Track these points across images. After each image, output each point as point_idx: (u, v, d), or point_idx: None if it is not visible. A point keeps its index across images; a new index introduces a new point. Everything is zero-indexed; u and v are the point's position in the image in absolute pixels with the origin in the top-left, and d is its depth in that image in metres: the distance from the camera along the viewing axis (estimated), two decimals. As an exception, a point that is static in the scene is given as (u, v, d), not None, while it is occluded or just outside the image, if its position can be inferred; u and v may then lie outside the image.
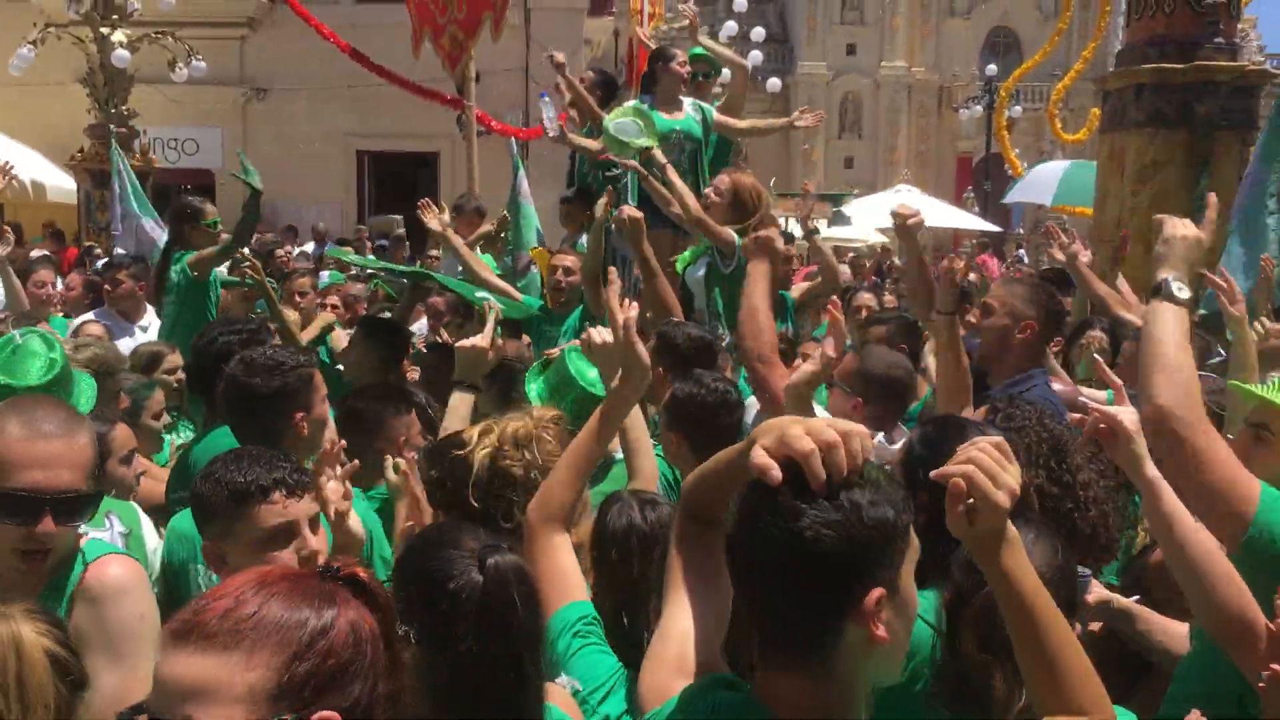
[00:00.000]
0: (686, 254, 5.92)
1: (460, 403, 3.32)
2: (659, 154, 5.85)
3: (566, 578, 2.19)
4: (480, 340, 3.39)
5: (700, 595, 1.80)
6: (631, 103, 6.58)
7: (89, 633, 2.22)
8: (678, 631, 1.77)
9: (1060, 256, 5.92)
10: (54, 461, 2.18)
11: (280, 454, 2.43)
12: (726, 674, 1.73)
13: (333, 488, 2.52)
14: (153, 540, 3.12)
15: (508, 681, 1.79)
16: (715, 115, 6.73)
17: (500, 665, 1.78)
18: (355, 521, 2.56)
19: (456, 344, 3.59)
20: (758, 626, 1.61)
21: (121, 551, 2.48)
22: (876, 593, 1.51)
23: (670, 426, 3.46)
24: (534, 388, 3.71)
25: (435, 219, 5.93)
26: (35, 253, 10.97)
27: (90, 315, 6.37)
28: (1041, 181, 16.45)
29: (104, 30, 13.31)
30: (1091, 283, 5.83)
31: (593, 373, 3.57)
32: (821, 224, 21.87)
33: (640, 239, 4.88)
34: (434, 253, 9.99)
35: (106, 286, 6.62)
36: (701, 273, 5.65)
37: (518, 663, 1.80)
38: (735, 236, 5.26)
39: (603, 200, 5.32)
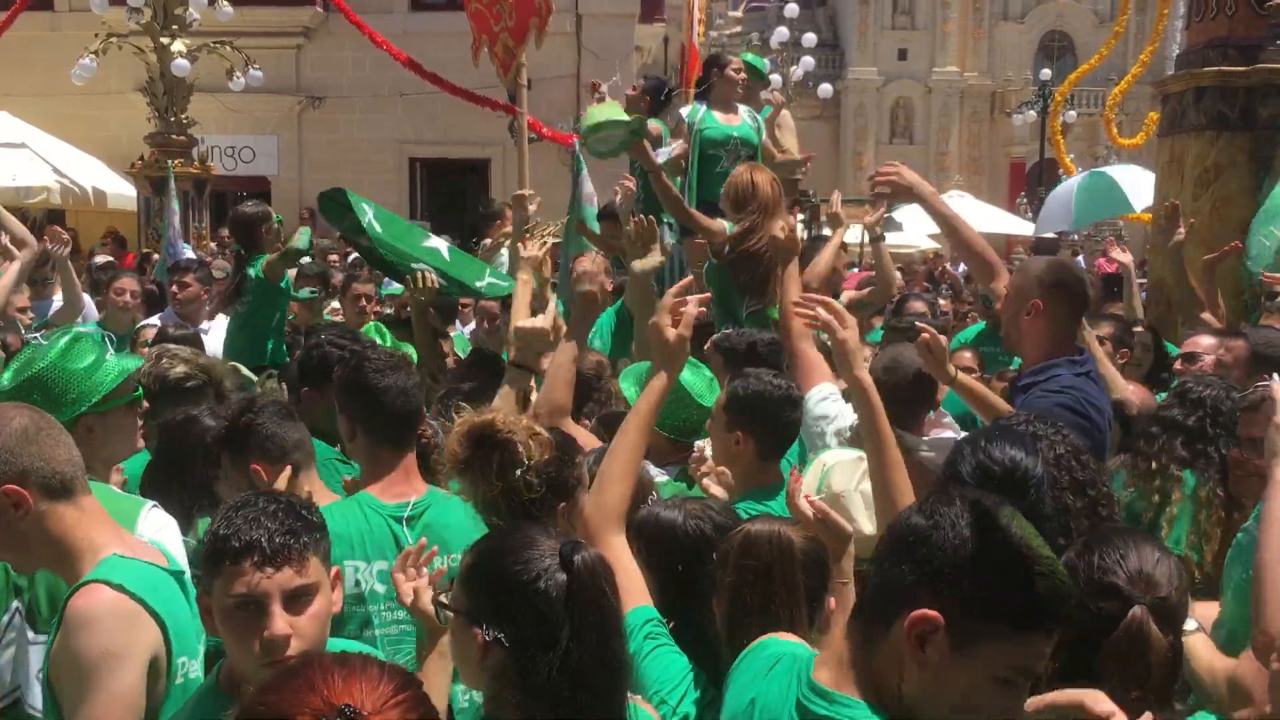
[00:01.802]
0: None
1: (513, 385, 3.33)
2: (653, 126, 5.59)
3: (631, 580, 2.20)
4: (542, 320, 3.36)
5: None
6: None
7: (59, 660, 2.21)
8: None
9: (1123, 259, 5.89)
10: None
11: (290, 504, 2.14)
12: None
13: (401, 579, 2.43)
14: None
15: (605, 672, 1.81)
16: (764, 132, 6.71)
17: (597, 657, 1.80)
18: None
19: (516, 325, 3.57)
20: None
21: (109, 580, 2.26)
22: (923, 613, 1.52)
23: (732, 427, 3.33)
24: (631, 390, 3.71)
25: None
26: (99, 258, 11.17)
27: (155, 319, 6.48)
28: (1058, 209, 16.20)
29: (164, 40, 13.55)
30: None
31: (699, 384, 3.63)
32: (872, 230, 21.71)
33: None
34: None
35: (173, 289, 6.74)
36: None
37: (612, 653, 1.83)
38: (725, 227, 5.23)
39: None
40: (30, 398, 2.80)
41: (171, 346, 4.32)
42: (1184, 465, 3.45)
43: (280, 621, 2.00)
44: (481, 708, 1.91)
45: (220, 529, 2.05)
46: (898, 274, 6.93)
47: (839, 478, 3.13)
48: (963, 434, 3.46)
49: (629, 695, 1.91)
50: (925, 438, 3.58)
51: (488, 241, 8.58)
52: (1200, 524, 3.34)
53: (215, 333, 6.53)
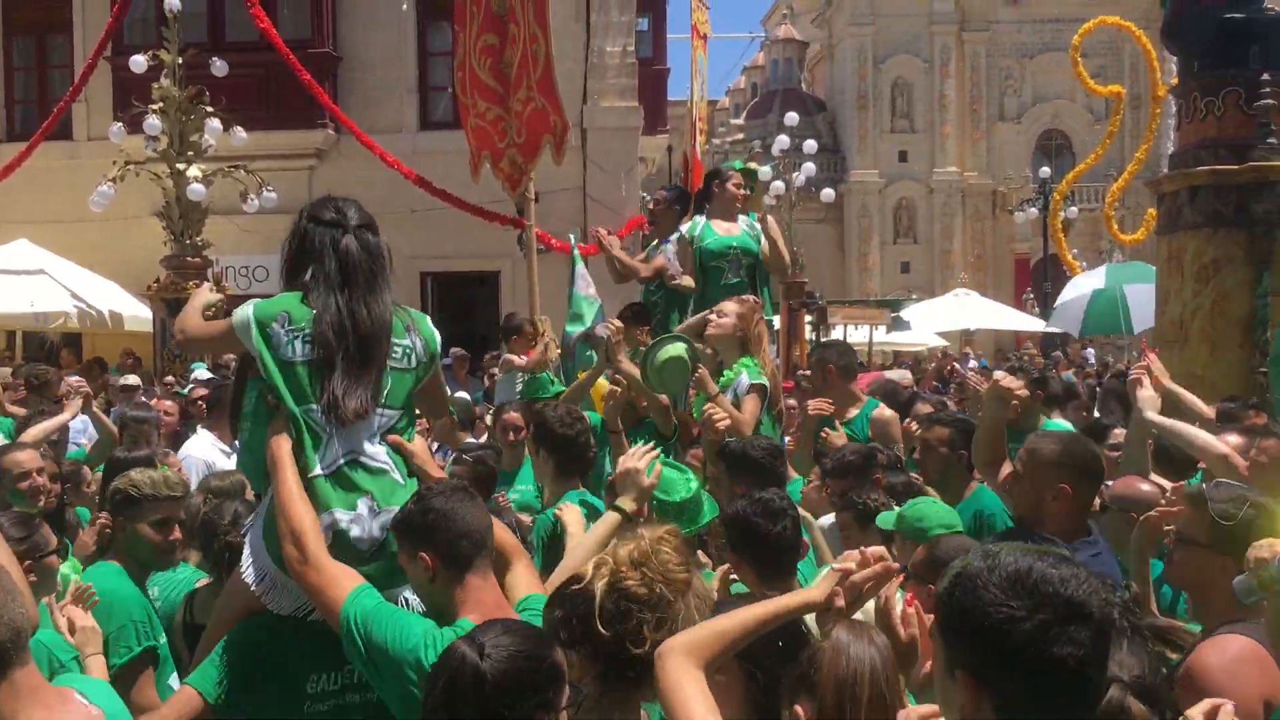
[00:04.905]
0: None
1: (604, 524, 3.24)
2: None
3: (693, 702, 2.11)
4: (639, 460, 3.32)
5: None
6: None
7: None
8: None
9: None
10: None
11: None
12: None
13: None
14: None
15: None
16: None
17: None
18: None
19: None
20: None
21: None
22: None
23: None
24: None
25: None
26: (124, 381, 11.29)
27: (201, 437, 6.55)
28: (1070, 312, 16.47)
29: (180, 166, 13.87)
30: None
31: (671, 478, 3.55)
32: (880, 330, 21.82)
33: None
34: (494, 371, 10.13)
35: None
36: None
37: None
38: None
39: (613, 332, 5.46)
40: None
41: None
42: None
43: None
44: None
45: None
46: (905, 372, 6.96)
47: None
48: None
49: None
50: None
51: (509, 357, 8.63)
52: None
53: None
